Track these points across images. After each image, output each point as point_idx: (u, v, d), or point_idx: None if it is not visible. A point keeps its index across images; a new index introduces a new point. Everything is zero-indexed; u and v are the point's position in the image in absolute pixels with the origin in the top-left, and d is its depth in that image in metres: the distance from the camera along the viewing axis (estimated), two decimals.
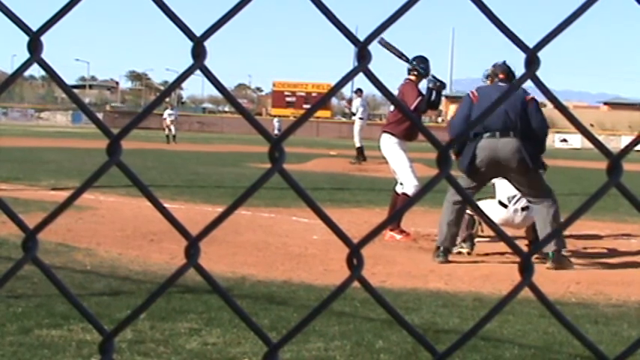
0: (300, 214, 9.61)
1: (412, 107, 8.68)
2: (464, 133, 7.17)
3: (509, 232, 8.83)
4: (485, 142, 7.40)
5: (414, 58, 9.11)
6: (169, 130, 36.27)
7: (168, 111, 37.66)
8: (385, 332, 4.63)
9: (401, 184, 8.91)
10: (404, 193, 8.71)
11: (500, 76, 7.86)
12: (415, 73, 9.02)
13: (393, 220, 8.34)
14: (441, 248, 7.45)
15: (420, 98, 8.81)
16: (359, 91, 24.56)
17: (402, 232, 8.62)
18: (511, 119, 7.39)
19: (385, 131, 9.21)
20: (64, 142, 30.51)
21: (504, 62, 7.97)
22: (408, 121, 8.75)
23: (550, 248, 7.11)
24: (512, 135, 7.40)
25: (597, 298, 6.09)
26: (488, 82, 8.05)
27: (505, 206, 7.53)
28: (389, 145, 9.08)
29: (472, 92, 7.77)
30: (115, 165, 0.92)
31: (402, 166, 8.93)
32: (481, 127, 7.39)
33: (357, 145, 22.96)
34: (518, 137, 7.40)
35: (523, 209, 7.60)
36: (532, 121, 7.48)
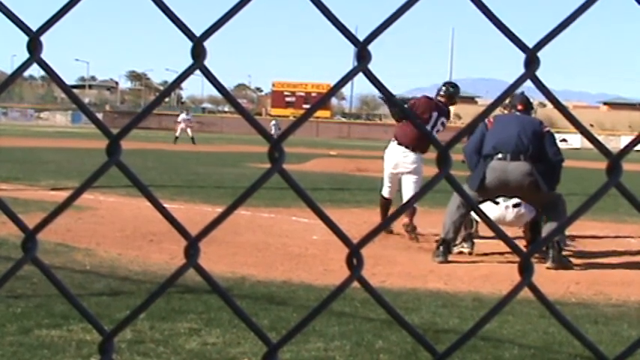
0: (299, 215, 9.61)
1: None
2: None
3: (509, 232, 8.84)
4: (496, 164, 7.52)
5: (446, 83, 9.35)
6: (186, 132, 36.52)
7: (183, 116, 37.96)
8: (385, 332, 4.63)
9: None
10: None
11: (519, 107, 8.06)
12: (445, 95, 9.19)
13: (392, 221, 8.33)
14: (441, 248, 7.46)
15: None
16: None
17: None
18: (523, 143, 7.52)
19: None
20: (64, 142, 30.51)
21: (522, 93, 8.17)
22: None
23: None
24: (522, 158, 7.50)
25: (597, 298, 6.10)
26: (506, 111, 8.29)
27: (497, 203, 7.57)
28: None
29: (489, 120, 7.90)
30: (115, 165, 0.92)
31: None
32: (492, 149, 7.57)
33: None
34: (529, 161, 7.48)
35: (515, 206, 7.64)
36: (548, 153, 7.63)
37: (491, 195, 7.58)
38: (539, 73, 0.85)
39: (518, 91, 8.22)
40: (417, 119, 0.94)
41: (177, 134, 36.89)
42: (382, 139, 27.75)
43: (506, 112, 8.32)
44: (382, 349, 4.37)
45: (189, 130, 36.67)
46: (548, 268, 7.10)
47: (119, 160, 0.92)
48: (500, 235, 0.92)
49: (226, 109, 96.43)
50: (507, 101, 8.25)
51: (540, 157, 7.55)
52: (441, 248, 7.47)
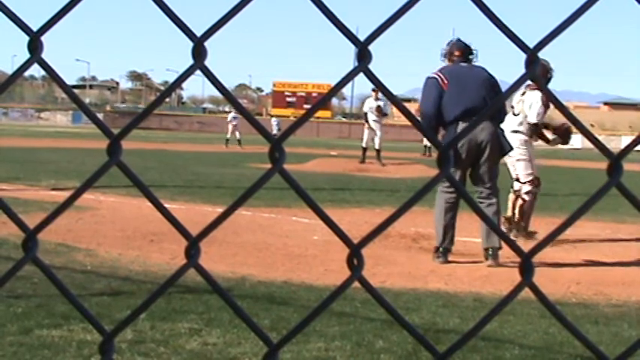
0: (300, 215, 9.61)
1: None
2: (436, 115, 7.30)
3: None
4: (463, 127, 7.27)
5: None
6: (233, 134, 34.21)
7: (233, 114, 36.07)
8: (385, 332, 4.63)
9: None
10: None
11: (456, 53, 7.64)
12: None
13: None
14: (441, 249, 7.45)
15: None
16: (376, 91, 22.46)
17: None
18: (487, 105, 7.22)
19: None
20: (64, 143, 30.51)
21: (459, 39, 7.76)
22: None
23: (494, 243, 7.18)
24: (487, 119, 7.28)
25: (597, 298, 6.09)
26: (447, 61, 7.75)
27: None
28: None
29: (440, 76, 7.46)
30: (115, 165, 0.92)
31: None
32: (459, 112, 7.21)
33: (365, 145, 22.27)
34: (493, 122, 7.38)
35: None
36: (501, 112, 7.50)
37: (463, 165, 7.36)
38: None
39: (454, 38, 7.78)
40: (415, 119, 0.94)
41: (227, 136, 34.42)
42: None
43: (447, 62, 7.77)
44: (383, 349, 4.37)
45: (237, 133, 34.05)
46: (489, 265, 7.13)
47: (120, 160, 0.92)
48: (499, 234, 0.92)
49: (227, 109, 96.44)
50: (445, 51, 7.74)
51: (499, 117, 7.45)
52: (441, 249, 7.46)
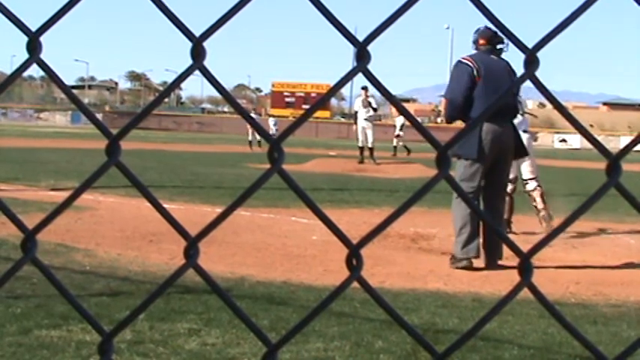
0: (299, 215, 9.61)
1: None
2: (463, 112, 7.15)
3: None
4: (490, 127, 7.03)
5: None
6: (253, 135, 32.81)
7: (252, 114, 34.67)
8: (385, 333, 4.63)
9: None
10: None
11: (481, 42, 7.32)
12: None
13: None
14: (465, 261, 7.04)
15: None
16: (365, 89, 22.74)
17: None
18: (515, 108, 7.34)
19: None
20: (63, 143, 30.47)
21: (486, 27, 7.30)
22: None
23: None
24: (509, 121, 7.24)
25: (596, 298, 6.09)
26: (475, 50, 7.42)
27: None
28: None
29: (474, 66, 7.12)
30: (114, 165, 0.92)
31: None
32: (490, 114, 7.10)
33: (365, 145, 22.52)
34: (514, 125, 7.37)
35: None
36: (520, 108, 7.65)
37: (486, 162, 7.14)
38: (538, 74, 0.85)
39: (482, 27, 7.35)
40: (414, 119, 0.94)
41: (250, 138, 32.94)
42: (381, 139, 27.75)
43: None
44: (382, 349, 4.37)
45: (257, 134, 31.64)
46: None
47: (118, 161, 0.92)
48: (499, 235, 0.92)
49: (226, 109, 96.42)
50: (473, 39, 7.38)
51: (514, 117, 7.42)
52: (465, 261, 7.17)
